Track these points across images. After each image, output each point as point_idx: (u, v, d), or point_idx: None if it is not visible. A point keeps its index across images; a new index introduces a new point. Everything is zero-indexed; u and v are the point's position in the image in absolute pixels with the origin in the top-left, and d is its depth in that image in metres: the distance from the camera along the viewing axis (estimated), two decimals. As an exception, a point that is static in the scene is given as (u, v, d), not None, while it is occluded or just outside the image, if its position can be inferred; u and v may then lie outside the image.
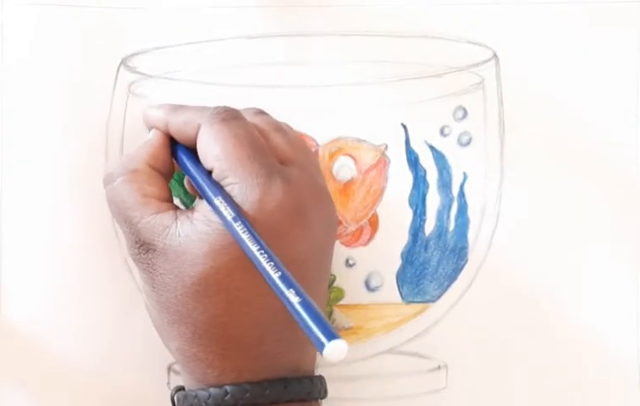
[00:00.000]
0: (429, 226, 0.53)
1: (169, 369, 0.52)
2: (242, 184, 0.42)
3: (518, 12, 0.53)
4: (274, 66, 0.53)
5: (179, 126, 0.46)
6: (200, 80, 0.52)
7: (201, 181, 0.44)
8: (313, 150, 0.52)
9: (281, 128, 0.46)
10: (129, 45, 0.52)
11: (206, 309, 0.42)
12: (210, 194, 0.43)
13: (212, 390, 0.43)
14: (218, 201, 0.42)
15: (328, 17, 0.53)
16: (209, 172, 0.44)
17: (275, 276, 0.39)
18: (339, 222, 0.52)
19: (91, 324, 0.51)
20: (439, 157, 0.53)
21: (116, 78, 0.52)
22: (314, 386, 0.44)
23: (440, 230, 0.53)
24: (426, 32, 0.53)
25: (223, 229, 0.42)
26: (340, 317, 0.53)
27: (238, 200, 0.42)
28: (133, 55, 0.53)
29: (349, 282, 0.52)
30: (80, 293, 0.51)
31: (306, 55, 0.53)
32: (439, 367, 0.53)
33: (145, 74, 0.53)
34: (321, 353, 0.36)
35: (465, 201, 0.53)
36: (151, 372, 0.51)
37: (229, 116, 0.45)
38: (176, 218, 0.44)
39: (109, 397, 0.51)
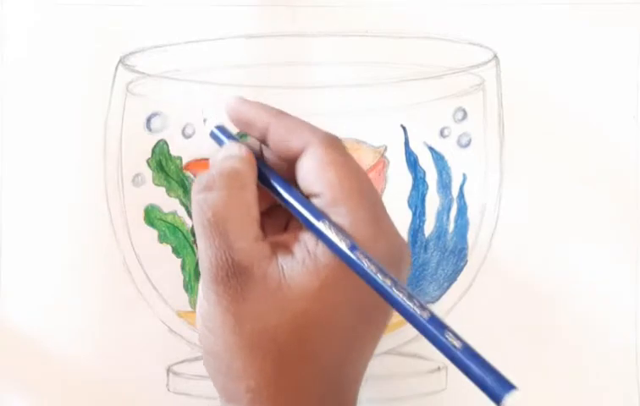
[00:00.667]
0: (429, 227, 0.53)
1: (169, 370, 0.51)
2: (356, 217, 0.40)
3: (519, 13, 0.53)
4: (273, 66, 0.52)
5: (282, 133, 0.42)
6: (198, 80, 0.52)
7: (302, 207, 0.41)
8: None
9: (367, 174, 0.43)
10: (127, 43, 0.52)
11: (302, 344, 0.39)
12: (314, 221, 0.40)
13: None
14: (326, 227, 0.39)
15: (327, 18, 0.53)
16: (305, 196, 0.41)
17: (424, 314, 0.36)
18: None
19: (90, 324, 0.51)
20: (439, 158, 0.53)
21: (114, 76, 0.52)
22: None
23: (440, 231, 0.53)
24: (426, 33, 0.53)
25: (331, 264, 0.39)
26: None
27: (349, 232, 0.39)
28: (131, 53, 0.52)
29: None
30: (79, 294, 0.51)
31: (305, 56, 0.53)
32: (439, 368, 0.53)
33: (143, 73, 0.52)
34: (497, 404, 0.34)
35: (464, 203, 0.53)
36: (151, 372, 0.51)
37: (341, 145, 0.42)
38: (275, 251, 0.40)
39: (109, 398, 0.51)
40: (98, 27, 0.52)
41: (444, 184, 0.53)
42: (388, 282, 0.38)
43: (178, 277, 0.51)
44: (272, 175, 0.43)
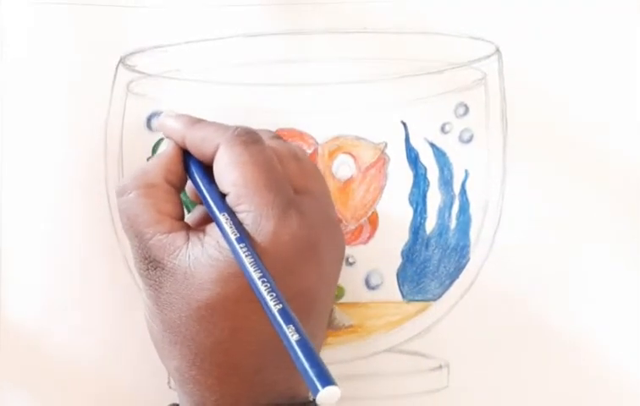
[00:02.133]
0: (430, 224, 0.52)
1: (169, 368, 0.52)
2: (257, 213, 0.42)
3: (521, 6, 0.52)
4: (274, 64, 0.52)
5: (197, 142, 0.45)
6: (199, 79, 0.52)
7: (210, 199, 0.43)
8: (313, 148, 0.52)
9: (297, 156, 0.45)
10: (127, 43, 0.52)
11: (211, 334, 0.42)
12: (217, 212, 0.42)
13: None
14: (224, 219, 0.42)
15: (327, 14, 0.52)
16: (223, 195, 0.43)
17: (275, 308, 0.38)
18: (339, 221, 0.51)
19: (91, 324, 0.51)
20: (440, 155, 0.52)
21: (115, 76, 0.52)
22: None
23: (441, 228, 0.52)
24: (427, 28, 0.52)
25: (233, 257, 0.41)
26: (340, 316, 0.52)
27: (251, 228, 0.41)
28: (131, 53, 0.52)
29: (349, 280, 0.52)
30: (80, 293, 0.51)
31: (305, 53, 0.52)
32: (440, 366, 0.52)
33: (143, 73, 0.52)
34: (314, 396, 0.36)
35: (466, 199, 0.52)
36: (151, 372, 0.51)
37: (250, 140, 0.43)
38: (188, 239, 0.43)
39: (109, 398, 0.52)
40: (98, 27, 0.52)
41: (446, 181, 0.52)
42: (257, 275, 0.40)
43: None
44: (194, 170, 0.45)
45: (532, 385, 0.52)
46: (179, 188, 0.46)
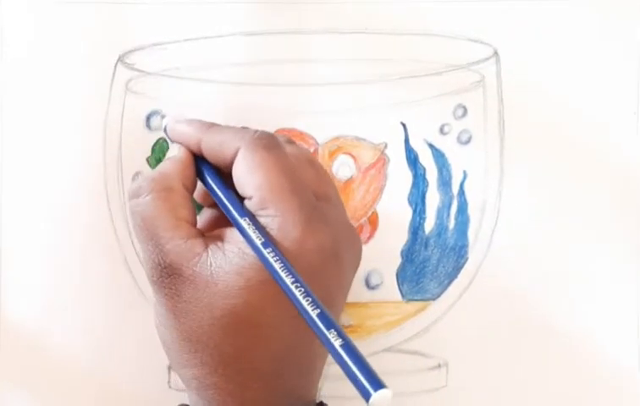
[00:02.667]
0: (429, 224, 0.53)
1: (169, 368, 0.51)
2: (283, 219, 0.41)
3: (519, 9, 0.53)
4: (273, 63, 0.52)
5: (214, 146, 0.44)
6: (198, 77, 0.52)
7: (229, 204, 0.43)
8: (313, 149, 0.52)
9: (312, 162, 0.45)
10: (126, 41, 0.52)
11: (235, 341, 0.41)
12: (238, 217, 0.42)
13: None
14: (246, 223, 0.41)
15: (327, 14, 0.52)
16: (241, 199, 0.43)
17: (313, 313, 0.37)
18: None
19: (90, 324, 0.51)
20: (439, 156, 0.53)
21: (113, 75, 0.52)
22: None
23: (440, 228, 0.53)
24: (426, 29, 0.53)
25: (258, 264, 0.40)
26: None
27: (277, 233, 0.41)
28: (130, 52, 0.52)
29: (349, 280, 0.52)
30: (80, 293, 0.51)
31: (305, 53, 0.52)
32: (439, 365, 0.53)
33: (142, 71, 0.52)
34: (366, 400, 0.35)
35: (465, 199, 0.53)
36: (151, 372, 0.51)
37: (271, 144, 0.43)
38: (206, 246, 0.42)
39: (109, 397, 0.51)
40: (97, 25, 0.52)
41: (445, 181, 0.53)
42: (290, 280, 0.39)
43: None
44: (208, 174, 0.44)
45: (531, 384, 0.52)
46: (192, 193, 0.45)
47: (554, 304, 0.52)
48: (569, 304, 0.53)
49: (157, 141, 0.52)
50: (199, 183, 0.46)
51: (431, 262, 0.53)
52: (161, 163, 0.45)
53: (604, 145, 0.53)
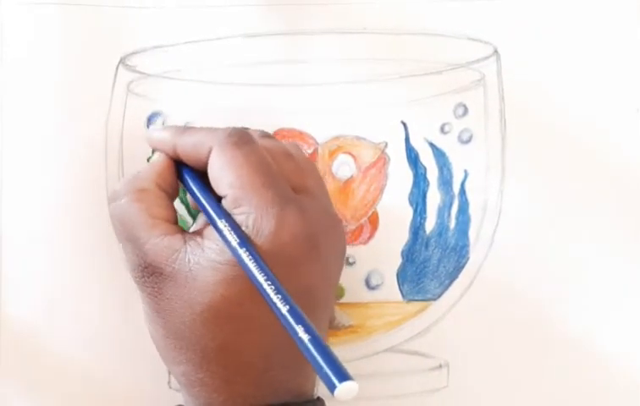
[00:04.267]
0: (430, 224, 0.53)
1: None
2: (256, 214, 0.41)
3: (519, 7, 0.52)
4: (274, 64, 0.52)
5: (188, 148, 0.45)
6: (199, 79, 0.52)
7: (207, 206, 0.43)
8: (313, 148, 0.52)
9: (290, 154, 0.45)
10: (127, 43, 0.52)
11: (216, 336, 0.42)
12: (215, 218, 0.42)
13: None
14: (223, 225, 0.41)
15: (327, 15, 0.53)
16: (219, 198, 0.43)
17: (284, 309, 0.38)
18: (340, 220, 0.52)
19: (92, 322, 0.51)
20: (440, 155, 0.53)
21: (115, 77, 0.52)
22: None
23: (441, 228, 0.53)
24: (426, 29, 0.53)
25: (235, 259, 0.41)
26: (341, 315, 0.52)
27: (251, 230, 0.41)
28: (132, 54, 0.52)
29: (349, 280, 0.52)
30: (79, 293, 0.51)
31: (305, 53, 0.53)
32: (440, 366, 0.52)
33: (144, 73, 0.52)
34: (332, 392, 0.36)
35: (466, 199, 0.53)
36: (151, 372, 0.51)
37: (242, 140, 0.43)
38: (185, 243, 0.42)
39: (109, 397, 0.51)
40: (99, 27, 0.52)
41: (445, 181, 0.53)
42: (262, 277, 0.39)
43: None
44: (187, 177, 0.45)
45: (532, 384, 0.52)
46: (172, 196, 0.46)
47: (556, 303, 0.52)
48: (570, 304, 0.52)
49: (158, 142, 0.52)
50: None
51: (432, 262, 0.52)
52: (135, 169, 0.46)
53: (605, 144, 0.52)
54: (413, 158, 0.53)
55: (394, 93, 0.52)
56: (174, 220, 0.45)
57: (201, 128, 0.45)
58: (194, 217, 0.52)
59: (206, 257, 0.42)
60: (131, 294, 0.51)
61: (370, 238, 0.52)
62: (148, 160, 0.52)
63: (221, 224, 0.42)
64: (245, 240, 0.41)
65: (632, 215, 0.52)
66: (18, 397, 0.51)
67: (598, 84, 0.52)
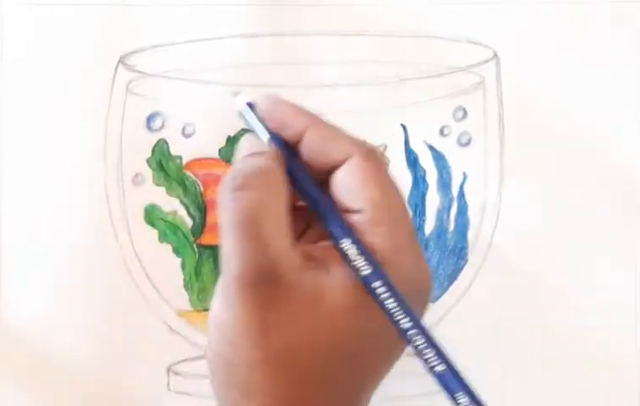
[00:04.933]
0: (429, 226, 0.53)
1: (169, 369, 0.51)
2: (400, 240, 0.37)
3: (519, 11, 0.53)
4: (273, 65, 0.52)
5: (321, 141, 0.39)
6: (198, 79, 0.52)
7: (332, 219, 0.38)
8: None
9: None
10: (127, 43, 0.52)
11: (338, 371, 0.37)
12: (344, 238, 0.37)
13: None
14: (352, 248, 0.37)
15: (326, 17, 0.53)
16: (344, 210, 0.38)
17: (439, 368, 0.37)
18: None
19: (91, 324, 0.51)
20: (439, 158, 0.53)
21: (114, 76, 0.52)
22: None
23: (440, 230, 0.53)
24: (425, 32, 0.53)
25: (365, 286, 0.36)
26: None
27: (392, 255, 0.37)
28: (131, 53, 0.52)
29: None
30: (80, 293, 0.51)
31: (304, 55, 0.53)
32: (439, 367, 0.52)
33: (143, 73, 0.52)
34: None
35: (465, 202, 0.53)
36: (151, 374, 0.51)
37: (383, 160, 0.41)
38: (311, 258, 0.37)
39: (109, 397, 0.51)
40: (98, 27, 0.52)
41: (444, 183, 0.53)
42: (408, 323, 0.36)
43: (178, 277, 0.51)
44: (304, 179, 0.39)
45: (531, 386, 0.52)
46: None
47: (554, 305, 0.52)
48: (569, 306, 0.52)
49: (158, 143, 0.52)
50: None
51: (431, 264, 0.53)
52: (253, 156, 0.39)
53: (604, 147, 0.53)
54: (412, 161, 0.53)
55: (394, 96, 0.52)
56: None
57: (338, 127, 0.40)
58: (194, 219, 0.52)
59: (335, 279, 0.36)
60: (131, 296, 0.51)
61: (370, 239, 0.52)
62: (147, 161, 0.52)
63: (350, 247, 0.37)
64: (377, 268, 0.36)
65: (630, 217, 0.53)
66: (18, 397, 0.51)
67: (597, 88, 0.53)
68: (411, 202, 0.53)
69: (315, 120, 0.39)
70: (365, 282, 0.36)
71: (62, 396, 0.51)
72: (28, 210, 0.51)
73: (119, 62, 0.52)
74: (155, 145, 0.52)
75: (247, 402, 0.36)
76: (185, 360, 0.51)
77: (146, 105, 0.52)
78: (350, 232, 0.37)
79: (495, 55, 0.53)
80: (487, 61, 0.53)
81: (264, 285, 0.36)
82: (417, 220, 0.53)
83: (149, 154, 0.52)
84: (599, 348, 0.52)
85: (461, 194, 0.53)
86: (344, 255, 0.37)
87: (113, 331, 0.51)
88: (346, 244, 0.37)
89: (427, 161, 0.53)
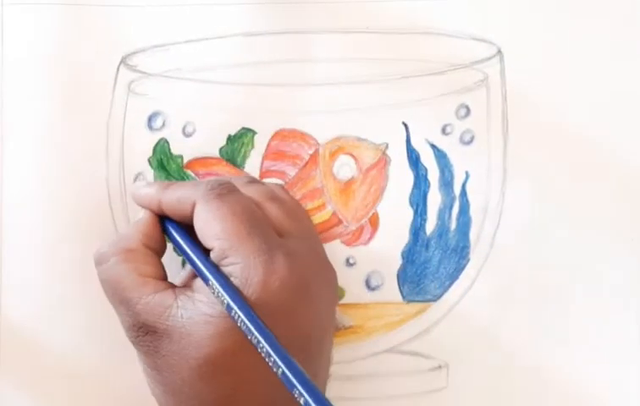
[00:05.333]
0: (430, 225, 0.52)
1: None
2: (244, 264, 0.41)
3: (523, 7, 0.52)
4: (274, 64, 0.52)
5: (173, 204, 0.45)
6: (200, 79, 0.52)
7: (196, 259, 0.43)
8: (314, 149, 0.52)
9: (276, 197, 0.45)
10: (129, 43, 0.52)
11: (213, 390, 0.41)
12: (205, 272, 0.42)
13: None
14: (212, 279, 0.42)
15: (328, 14, 0.52)
16: (207, 251, 0.43)
17: (278, 371, 0.39)
18: (340, 222, 0.52)
19: (92, 323, 0.51)
20: (441, 156, 0.52)
21: (116, 76, 0.52)
22: None
23: (441, 229, 0.52)
24: (428, 28, 0.52)
25: (226, 313, 0.41)
26: (341, 316, 0.52)
27: (240, 281, 0.41)
28: (133, 53, 0.52)
29: (349, 281, 0.52)
30: (79, 294, 0.51)
31: (306, 52, 0.52)
32: (440, 367, 0.52)
33: (145, 73, 0.52)
34: None
35: (466, 200, 0.52)
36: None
37: (225, 191, 0.44)
38: (176, 297, 0.42)
39: (109, 397, 0.52)
40: (99, 27, 0.52)
41: (446, 182, 0.52)
42: (254, 339, 0.40)
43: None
44: (173, 231, 0.45)
45: (531, 386, 0.52)
46: (159, 253, 0.46)
47: (556, 305, 0.52)
48: (570, 306, 0.52)
49: (159, 142, 0.52)
50: None
51: (432, 263, 0.52)
52: (120, 230, 0.48)
53: (608, 146, 0.52)
54: (414, 159, 0.52)
55: (396, 93, 0.52)
56: (163, 276, 0.45)
57: (184, 183, 0.46)
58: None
59: (197, 311, 0.42)
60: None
61: (370, 239, 0.52)
62: (149, 160, 0.52)
63: (211, 278, 0.42)
64: (234, 294, 0.41)
65: (634, 217, 0.52)
66: (18, 397, 0.51)
67: (602, 86, 0.52)
68: (413, 201, 0.52)
69: (164, 188, 0.46)
70: (228, 312, 0.41)
71: (62, 396, 0.51)
72: (29, 210, 0.51)
73: (121, 62, 0.52)
74: (156, 145, 0.52)
75: None
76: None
77: (148, 104, 0.52)
78: (209, 267, 0.42)
79: (499, 52, 0.52)
80: (490, 58, 0.52)
81: (145, 337, 0.43)
82: (419, 219, 0.52)
83: (150, 153, 0.52)
84: (601, 348, 0.52)
85: (463, 193, 0.52)
86: (212, 290, 0.41)
87: (113, 330, 0.51)
88: (210, 282, 0.42)
89: (428, 160, 0.52)
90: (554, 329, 0.52)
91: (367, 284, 0.52)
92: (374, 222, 0.52)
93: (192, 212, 0.44)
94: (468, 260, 0.52)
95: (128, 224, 0.51)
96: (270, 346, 0.39)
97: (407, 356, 0.53)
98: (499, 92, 0.52)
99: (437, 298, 0.52)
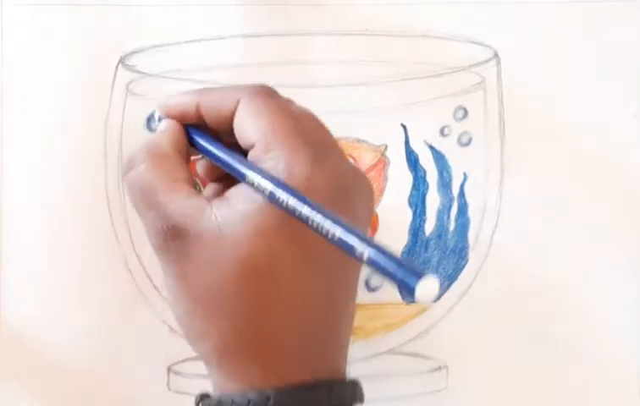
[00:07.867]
0: (429, 226, 0.53)
1: (169, 369, 0.52)
2: (289, 158, 0.39)
3: (520, 11, 0.53)
4: (273, 65, 0.52)
5: (214, 103, 0.42)
6: (198, 79, 0.52)
7: (230, 160, 0.41)
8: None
9: (313, 115, 0.43)
10: (127, 43, 0.52)
11: (248, 295, 0.39)
12: (243, 169, 0.40)
13: (251, 395, 0.38)
14: (252, 174, 0.39)
15: (327, 16, 0.53)
16: (242, 152, 0.41)
17: (337, 231, 0.36)
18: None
19: (91, 324, 0.51)
20: (439, 157, 0.53)
21: (114, 76, 0.52)
22: (356, 391, 0.42)
23: (440, 230, 0.53)
24: (426, 31, 0.53)
25: (266, 208, 0.38)
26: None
27: (284, 174, 0.39)
28: (131, 53, 0.52)
29: (349, 282, 0.52)
30: (79, 293, 0.51)
31: (305, 54, 0.53)
32: (440, 368, 0.53)
33: (143, 73, 0.52)
34: (413, 297, 0.33)
35: (465, 201, 0.53)
36: (151, 372, 0.51)
37: (272, 92, 0.42)
38: (209, 202, 0.40)
39: (109, 397, 0.51)
40: (98, 27, 0.52)
41: (445, 183, 0.53)
42: (306, 211, 0.37)
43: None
44: (203, 139, 0.43)
45: (531, 386, 0.52)
46: (187, 161, 0.44)
47: (555, 305, 0.52)
48: (569, 306, 0.52)
49: (158, 142, 0.52)
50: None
51: (431, 264, 0.53)
52: (150, 136, 0.44)
53: (604, 147, 0.53)
54: (413, 161, 0.53)
55: (395, 95, 0.52)
56: (194, 184, 0.42)
57: (225, 86, 0.43)
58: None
59: (234, 210, 0.39)
60: (131, 295, 0.51)
61: (370, 239, 0.52)
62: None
63: (249, 171, 0.39)
64: (276, 180, 0.38)
65: (631, 217, 0.53)
66: (18, 397, 0.51)
67: (597, 88, 0.53)
68: (412, 202, 0.53)
69: (202, 91, 0.44)
70: (271, 200, 0.38)
71: (62, 396, 0.51)
72: (28, 210, 0.51)
73: (120, 62, 0.52)
74: (155, 145, 0.52)
75: (203, 346, 0.40)
76: (185, 360, 0.51)
77: (147, 105, 0.52)
78: (246, 162, 0.40)
79: (496, 54, 0.53)
80: (487, 60, 0.53)
81: (172, 242, 0.39)
82: (418, 220, 0.53)
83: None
84: (601, 347, 0.52)
85: (462, 194, 0.53)
86: (250, 185, 0.39)
87: (114, 330, 0.51)
88: (248, 175, 0.39)
89: (427, 161, 0.53)
90: (554, 329, 0.52)
91: (367, 285, 0.52)
92: (373, 223, 0.53)
93: (232, 113, 0.41)
94: (467, 261, 0.53)
95: (127, 224, 0.51)
96: (322, 214, 0.37)
97: (407, 357, 0.53)
98: (495, 94, 0.53)
99: (436, 299, 0.53)
